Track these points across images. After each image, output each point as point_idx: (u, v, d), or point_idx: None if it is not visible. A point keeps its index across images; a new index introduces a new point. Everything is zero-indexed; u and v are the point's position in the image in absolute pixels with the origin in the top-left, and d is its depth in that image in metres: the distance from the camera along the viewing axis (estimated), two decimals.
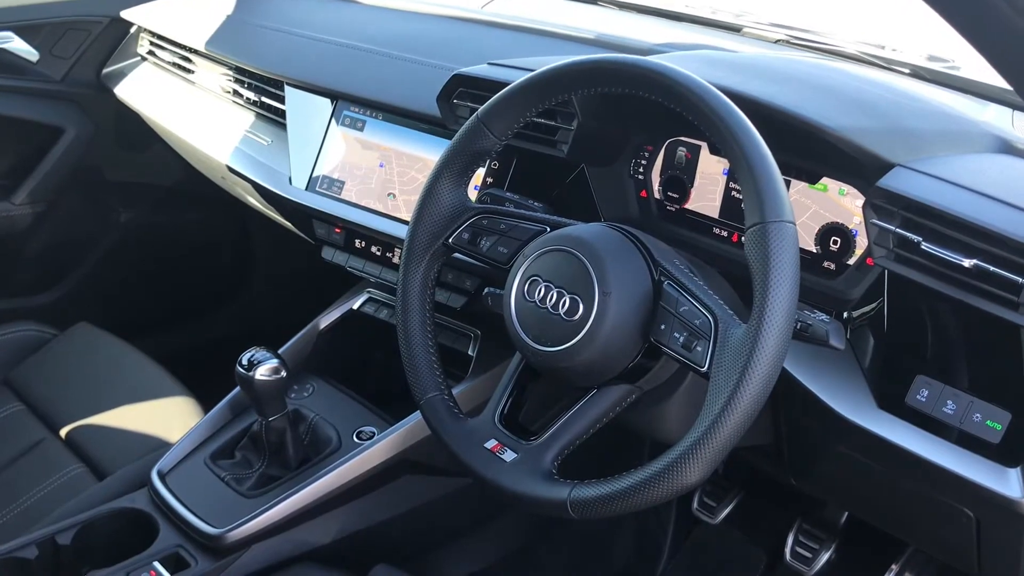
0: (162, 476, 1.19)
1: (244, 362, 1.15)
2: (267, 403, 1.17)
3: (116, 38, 1.67)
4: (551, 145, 1.11)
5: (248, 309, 1.94)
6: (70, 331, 1.61)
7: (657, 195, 1.11)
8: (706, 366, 0.79)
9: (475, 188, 1.20)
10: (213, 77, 1.53)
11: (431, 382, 0.97)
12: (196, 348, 1.84)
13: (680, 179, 1.09)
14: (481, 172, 1.19)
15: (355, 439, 1.23)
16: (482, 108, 0.95)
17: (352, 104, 1.30)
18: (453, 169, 0.97)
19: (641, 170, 1.12)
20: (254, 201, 1.50)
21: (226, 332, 1.91)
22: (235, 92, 1.48)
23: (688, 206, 1.09)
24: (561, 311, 0.87)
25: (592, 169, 1.13)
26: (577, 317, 0.86)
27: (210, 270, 1.90)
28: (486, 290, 1.05)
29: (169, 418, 1.41)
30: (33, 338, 1.58)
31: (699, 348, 0.80)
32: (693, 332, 0.81)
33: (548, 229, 0.95)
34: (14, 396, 1.49)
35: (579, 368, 0.87)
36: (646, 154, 1.11)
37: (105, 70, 1.67)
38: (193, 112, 1.54)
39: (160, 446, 1.35)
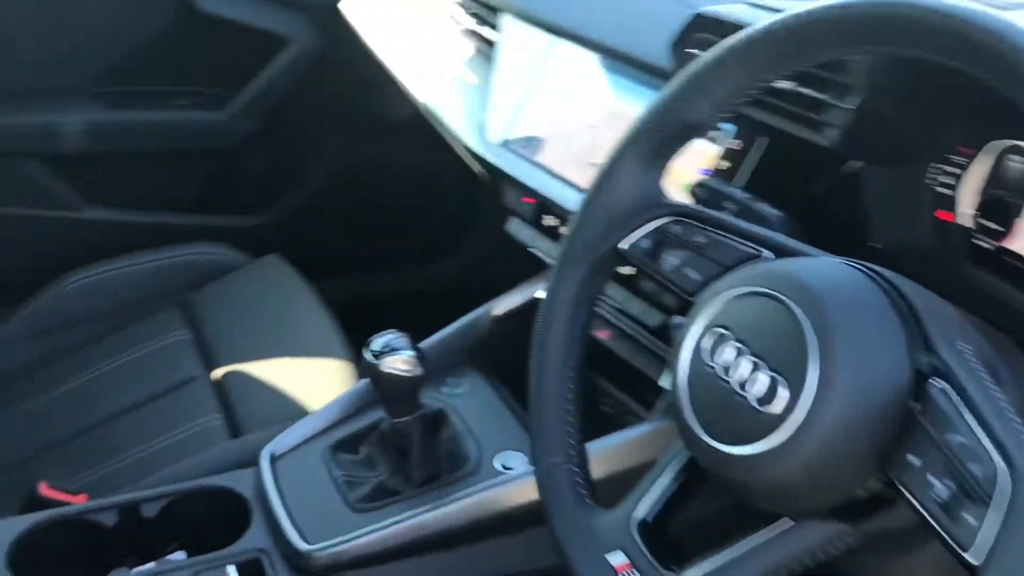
0: (274, 459, 1.02)
1: (374, 347, 0.93)
2: (395, 402, 0.95)
3: None
4: (814, 128, 0.77)
5: (457, 269, 1.73)
6: (259, 262, 1.49)
7: (967, 220, 0.74)
8: (975, 554, 0.45)
9: (703, 172, 0.88)
10: None
11: (556, 443, 0.68)
12: (390, 301, 1.68)
13: (1008, 203, 0.71)
14: (708, 153, 0.87)
15: (496, 465, 0.98)
16: (695, 63, 0.63)
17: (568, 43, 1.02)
18: (644, 145, 0.67)
19: (948, 180, 0.74)
20: None
21: (427, 289, 1.72)
22: (455, 18, 1.25)
23: (1014, 246, 0.71)
24: (751, 393, 0.55)
25: (871, 169, 0.78)
26: (774, 409, 0.53)
27: (426, 218, 1.71)
28: (674, 320, 0.75)
29: (324, 383, 1.24)
30: (221, 263, 1.48)
31: (969, 517, 0.46)
32: (965, 486, 0.47)
33: (767, 254, 0.62)
34: (184, 322, 1.40)
35: (765, 486, 0.55)
36: (960, 159, 0.74)
37: None
38: (408, 39, 1.33)
39: (301, 415, 1.19)
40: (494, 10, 1.14)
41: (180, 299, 1.45)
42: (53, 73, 1.46)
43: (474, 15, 1.20)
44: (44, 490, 0.96)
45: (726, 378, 0.56)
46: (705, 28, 0.84)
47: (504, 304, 1.13)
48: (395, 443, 0.98)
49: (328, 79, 1.57)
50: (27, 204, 1.48)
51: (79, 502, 0.97)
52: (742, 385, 0.55)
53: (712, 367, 0.57)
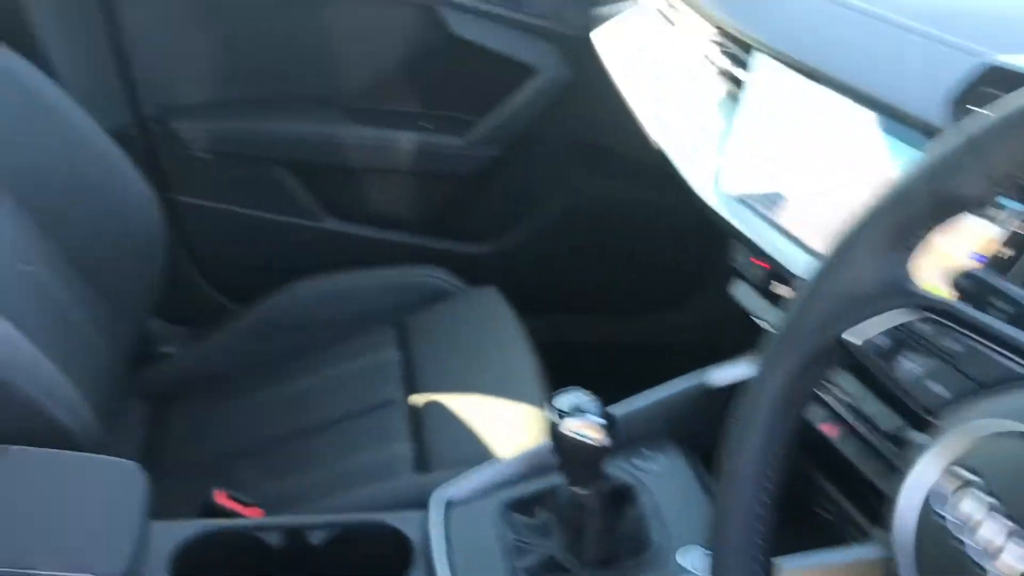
0: (448, 506, 0.95)
1: (560, 405, 0.84)
2: (576, 469, 0.86)
3: None
4: None
5: (677, 326, 1.61)
6: (475, 292, 1.45)
7: None
8: None
9: (975, 258, 0.72)
10: (691, 33, 1.20)
11: (738, 564, 0.56)
12: (600, 348, 1.59)
13: None
14: (983, 235, 0.70)
15: (678, 560, 0.86)
16: (972, 121, 0.49)
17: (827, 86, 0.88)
18: (896, 216, 0.53)
19: None
20: None
21: (641, 342, 1.62)
22: (708, 58, 1.15)
23: None
24: (998, 568, 0.40)
25: None
26: None
27: (653, 266, 1.61)
28: (912, 435, 0.60)
29: (515, 428, 1.17)
30: (439, 287, 1.45)
31: None
32: None
33: None
34: (396, 343, 1.38)
35: None
36: None
37: (596, 10, 1.44)
38: (656, 75, 1.24)
39: (486, 458, 1.12)
40: (749, 49, 1.03)
41: (396, 319, 1.44)
42: (310, 84, 1.51)
43: (728, 54, 1.09)
44: (219, 499, 0.96)
45: (964, 539, 0.42)
46: (996, 82, 0.68)
47: (720, 375, 1.00)
48: (572, 514, 0.88)
49: (572, 111, 1.51)
50: (272, 209, 1.54)
51: (252, 515, 0.96)
52: (986, 554, 0.41)
53: (946, 519, 0.44)
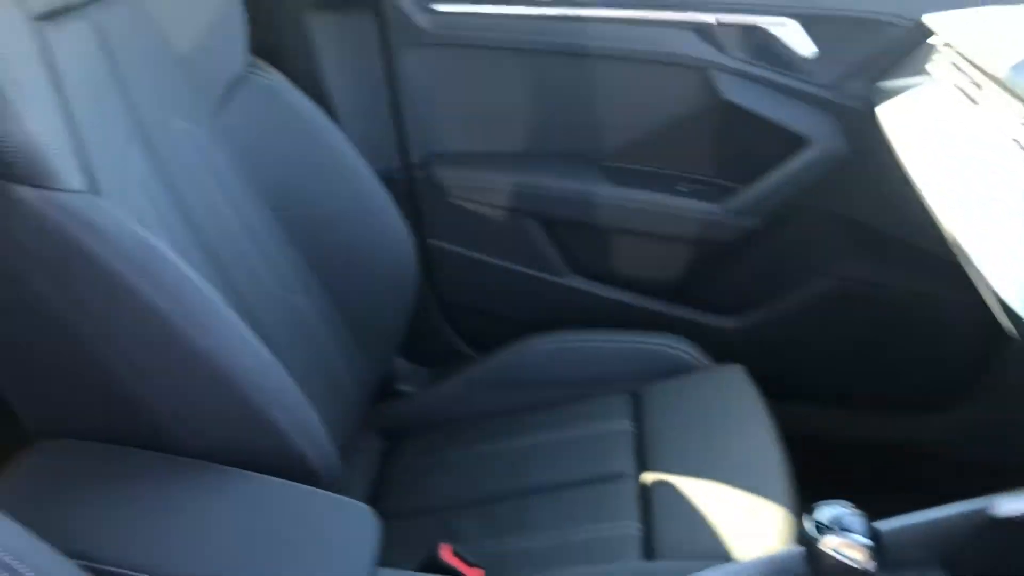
0: None
1: (820, 517, 0.75)
2: None
3: (910, 46, 1.32)
4: None
5: (948, 430, 1.45)
6: (719, 369, 1.37)
7: None
8: None
9: None
10: (999, 115, 1.08)
11: None
12: (857, 448, 1.45)
13: None
14: None
15: None
16: None
17: None
18: None
19: None
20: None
21: (903, 444, 1.46)
22: (1018, 141, 1.02)
23: None
24: None
25: None
26: None
27: (923, 360, 1.46)
28: None
29: (756, 527, 1.08)
30: (680, 360, 1.39)
31: None
32: None
33: None
34: (630, 412, 1.33)
35: None
36: None
37: (881, 83, 1.33)
38: (951, 158, 1.12)
39: (720, 557, 1.04)
40: None
41: (632, 387, 1.39)
42: (570, 140, 1.50)
43: None
44: (444, 554, 0.94)
45: None
46: None
47: (1010, 505, 0.87)
48: None
49: (845, 188, 1.40)
50: (519, 260, 1.54)
51: None
52: None
53: None
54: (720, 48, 1.39)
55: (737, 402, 1.28)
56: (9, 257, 0.85)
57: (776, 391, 1.32)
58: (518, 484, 1.26)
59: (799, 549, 0.88)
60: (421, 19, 1.44)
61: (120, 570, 0.76)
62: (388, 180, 1.40)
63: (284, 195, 1.29)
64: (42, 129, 0.86)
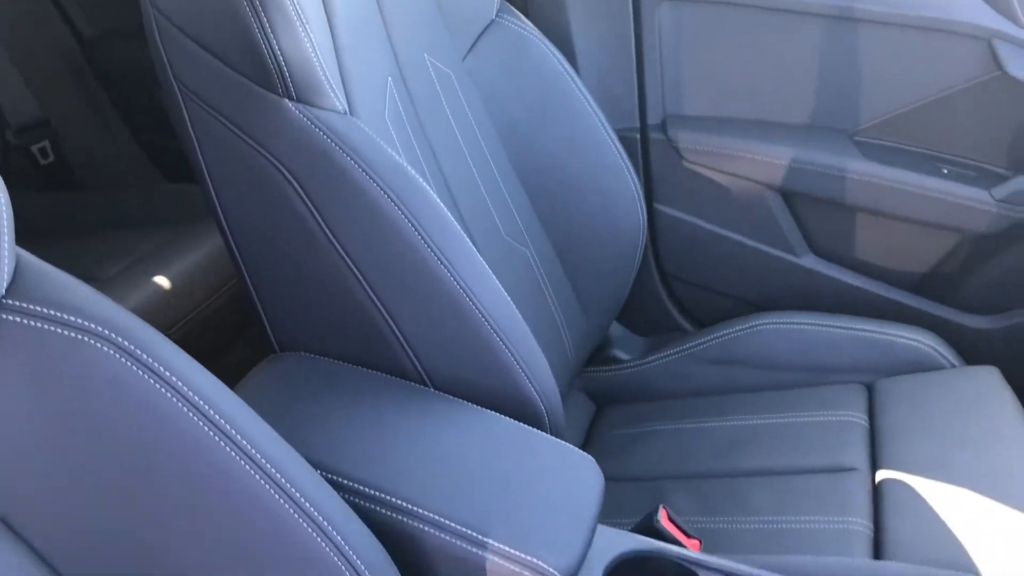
0: None
1: None
2: None
3: None
4: None
5: None
6: (970, 370, 1.25)
7: None
8: None
9: None
10: None
11: None
12: None
13: None
14: None
15: None
16: None
17: None
18: None
19: None
20: None
21: None
22: None
23: None
24: None
25: None
26: None
27: None
28: None
29: (1009, 541, 0.97)
30: (926, 356, 1.27)
31: None
32: None
33: None
34: (865, 406, 1.24)
35: None
36: None
37: None
38: None
39: (964, 568, 0.94)
40: None
41: (869, 378, 1.29)
42: (821, 111, 1.40)
43: None
44: (664, 519, 0.90)
45: None
46: None
47: None
48: None
49: None
50: (752, 235, 1.46)
51: (691, 548, 0.89)
52: None
53: None
54: (1009, 16, 1.26)
55: (990, 406, 1.16)
56: (272, 170, 0.87)
57: None
58: (734, 464, 1.20)
59: None
60: None
61: (353, 484, 0.77)
62: (622, 139, 1.36)
63: (521, 144, 1.28)
64: (316, 51, 0.88)
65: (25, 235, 1.69)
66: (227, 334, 1.46)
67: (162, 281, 1.38)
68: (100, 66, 1.93)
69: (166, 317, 1.37)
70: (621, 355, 1.49)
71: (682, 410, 1.35)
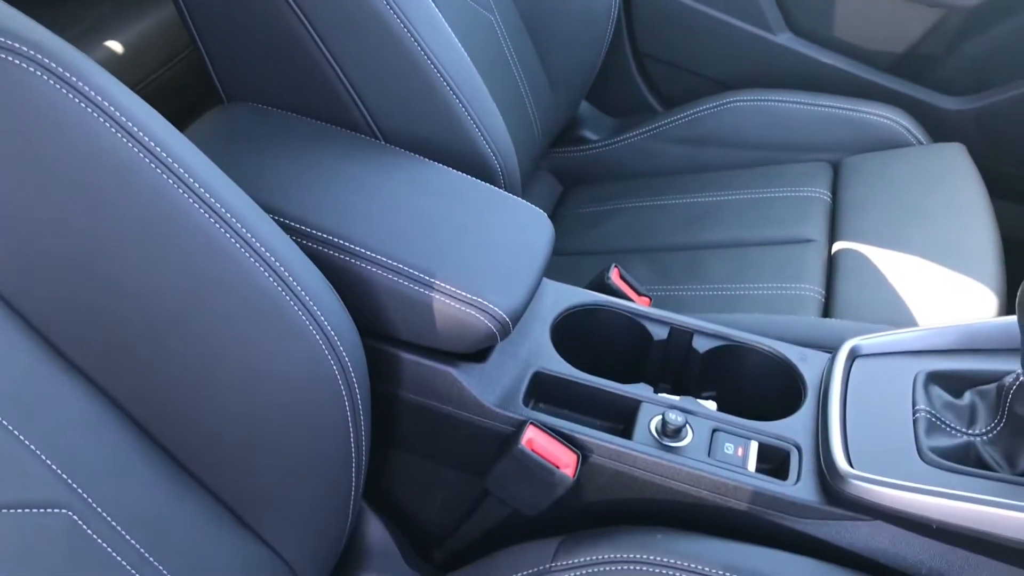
0: (854, 356, 0.83)
1: None
2: None
3: None
4: None
5: None
6: (937, 147, 1.25)
7: None
8: None
9: None
10: None
11: None
12: None
13: None
14: None
15: None
16: None
17: None
18: None
19: None
20: None
21: None
22: None
23: None
24: None
25: None
26: None
27: None
28: None
29: (954, 301, 0.99)
30: (894, 133, 1.26)
31: None
32: None
33: None
34: (829, 182, 1.24)
35: None
36: None
37: None
38: None
39: (907, 324, 0.97)
40: None
41: (837, 156, 1.28)
42: None
43: None
44: (615, 277, 0.91)
45: None
46: None
47: None
48: (1020, 409, 0.72)
49: None
50: (730, 11, 1.41)
51: (640, 304, 0.90)
52: None
53: None
54: None
55: (952, 180, 1.16)
56: None
57: (999, 185, 1.19)
58: (696, 238, 1.21)
59: (1009, 320, 0.80)
60: None
61: (303, 227, 0.77)
62: None
63: None
64: None
65: None
66: (186, 104, 1.42)
67: (115, 46, 1.33)
68: None
69: (125, 79, 1.33)
70: (590, 135, 1.47)
71: (648, 188, 1.35)
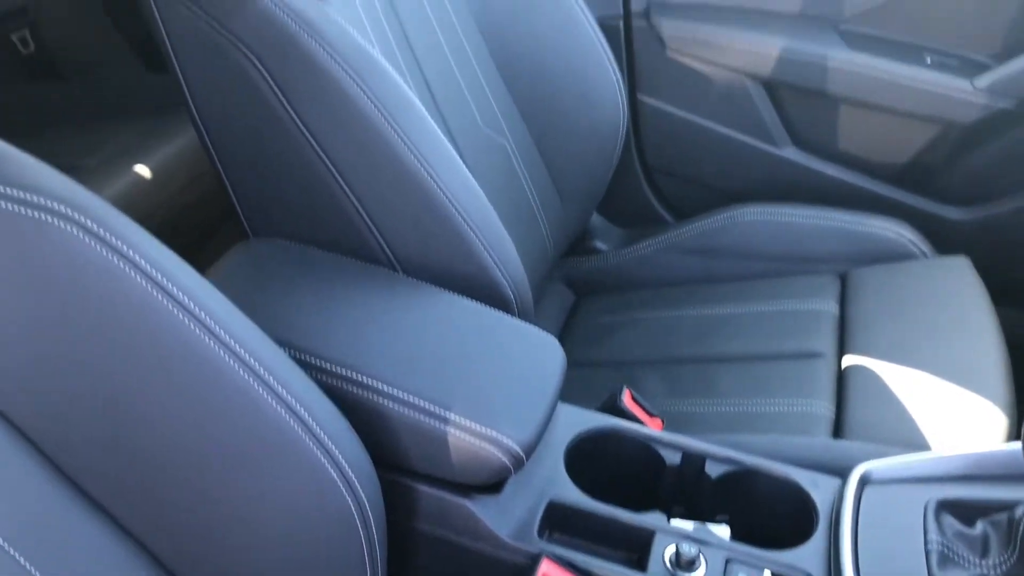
0: (865, 482, 0.83)
1: None
2: None
3: None
4: None
5: None
6: (942, 260, 1.27)
7: None
8: None
9: None
10: None
11: None
12: None
13: None
14: None
15: None
16: None
17: None
18: None
19: None
20: None
21: None
22: None
23: None
24: None
25: None
26: None
27: None
28: None
29: (964, 424, 1.00)
30: (899, 246, 1.28)
31: None
32: None
33: None
34: (836, 294, 1.26)
35: None
36: None
37: None
38: None
39: (918, 446, 0.98)
40: None
41: (843, 268, 1.30)
42: (808, 0, 1.38)
43: None
44: (627, 399, 0.93)
45: None
46: None
47: None
48: None
49: None
50: (733, 125, 1.46)
51: (653, 427, 0.92)
52: None
53: None
54: None
55: (959, 295, 1.18)
56: (236, 55, 0.87)
57: (1004, 294, 1.20)
58: (706, 350, 1.23)
59: (1019, 447, 0.81)
60: None
61: (318, 362, 0.79)
62: (605, 27, 1.34)
63: (500, 34, 1.27)
64: None
65: (8, 126, 1.68)
66: (208, 224, 1.47)
67: (142, 170, 1.38)
68: None
69: (147, 205, 1.38)
70: (600, 245, 1.50)
71: (659, 299, 1.37)
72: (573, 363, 1.23)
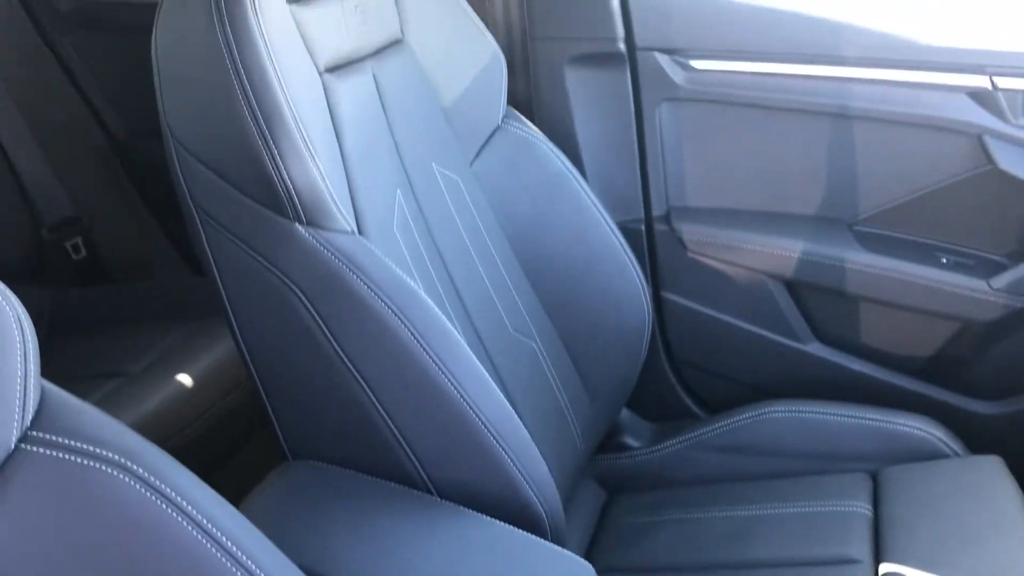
0: None
1: None
2: None
3: None
4: None
5: None
6: (974, 460, 1.26)
7: None
8: None
9: None
10: None
11: None
12: None
13: None
14: None
15: None
16: None
17: None
18: None
19: None
20: None
21: None
22: None
23: None
24: None
25: None
26: None
27: None
28: None
29: None
30: (929, 445, 1.29)
31: None
32: None
33: None
34: (869, 495, 1.25)
35: None
36: None
37: None
38: None
39: None
40: None
41: (874, 467, 1.30)
42: (821, 203, 1.44)
43: None
44: None
45: None
46: None
47: None
48: None
49: None
50: (757, 322, 1.49)
51: None
52: None
53: None
54: (997, 113, 1.30)
55: (993, 498, 1.17)
56: (281, 288, 0.93)
57: None
58: (740, 555, 1.22)
59: None
60: (677, 75, 1.45)
61: None
62: (628, 231, 1.41)
63: (526, 241, 1.33)
64: (324, 174, 0.94)
65: (58, 329, 1.75)
66: (248, 426, 1.51)
67: (185, 376, 1.43)
68: (131, 165, 2.03)
69: (191, 410, 1.42)
70: (631, 442, 1.52)
71: (690, 499, 1.37)
72: (606, 568, 1.22)
